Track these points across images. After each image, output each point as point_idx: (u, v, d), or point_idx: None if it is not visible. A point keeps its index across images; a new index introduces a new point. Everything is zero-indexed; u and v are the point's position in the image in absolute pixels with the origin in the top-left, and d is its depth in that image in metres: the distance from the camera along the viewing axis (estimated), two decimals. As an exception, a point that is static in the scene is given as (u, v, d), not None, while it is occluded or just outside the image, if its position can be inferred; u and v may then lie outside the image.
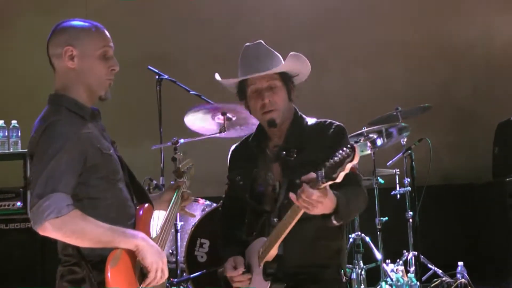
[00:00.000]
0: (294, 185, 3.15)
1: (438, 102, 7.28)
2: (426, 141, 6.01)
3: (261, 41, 3.67)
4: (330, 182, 2.89)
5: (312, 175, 2.95)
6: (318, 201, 2.96)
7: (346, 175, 3.01)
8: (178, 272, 5.64)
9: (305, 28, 8.41)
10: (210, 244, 5.37)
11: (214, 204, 5.71)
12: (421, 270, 5.88)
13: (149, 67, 6.00)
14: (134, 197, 3.12)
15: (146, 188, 5.57)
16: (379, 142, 5.91)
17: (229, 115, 5.82)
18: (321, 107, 7.89)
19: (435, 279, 5.99)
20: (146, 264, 2.80)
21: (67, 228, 2.67)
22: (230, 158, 3.92)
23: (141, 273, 2.85)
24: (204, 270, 5.17)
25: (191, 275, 5.25)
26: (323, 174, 2.88)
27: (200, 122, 5.87)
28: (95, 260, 2.75)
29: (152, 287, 2.88)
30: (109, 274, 2.63)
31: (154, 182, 5.75)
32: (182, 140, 5.88)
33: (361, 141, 5.97)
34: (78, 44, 2.96)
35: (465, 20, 8.50)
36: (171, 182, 5.66)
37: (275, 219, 3.33)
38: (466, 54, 8.33)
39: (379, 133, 5.93)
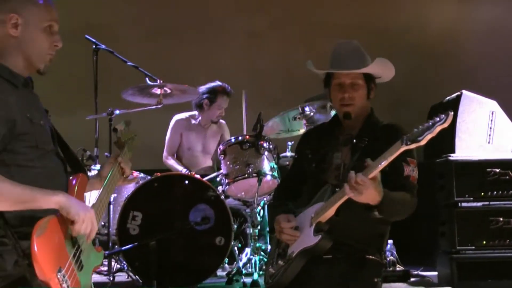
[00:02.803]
0: (361, 167, 3.37)
1: (373, 83, 7.37)
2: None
3: (354, 40, 3.89)
4: (414, 145, 3.14)
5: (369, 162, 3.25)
6: (364, 187, 3.20)
7: (403, 181, 3.47)
8: (110, 244, 5.62)
9: (244, 3, 8.40)
10: (142, 217, 5.34)
11: (148, 177, 5.68)
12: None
13: (87, 36, 5.93)
14: (67, 167, 3.08)
15: (80, 159, 5.51)
16: (316, 118, 5.93)
17: (166, 88, 5.81)
18: (258, 84, 7.96)
19: (364, 257, 6.08)
20: (71, 217, 2.74)
21: None
22: (302, 136, 4.20)
23: (73, 242, 2.81)
24: (136, 243, 5.14)
25: (123, 248, 5.22)
26: (409, 137, 3.13)
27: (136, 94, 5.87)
28: (23, 232, 2.68)
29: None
30: (35, 243, 2.56)
31: (88, 153, 5.70)
32: (117, 111, 5.84)
33: (297, 119, 6.01)
34: (24, 13, 2.91)
35: (401, 5, 8.63)
36: (105, 154, 5.69)
37: (337, 189, 3.51)
38: (401, 38, 8.45)
39: (323, 108, 5.96)
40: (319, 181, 3.76)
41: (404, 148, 3.16)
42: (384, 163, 3.22)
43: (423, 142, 3.11)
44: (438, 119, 3.07)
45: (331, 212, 3.48)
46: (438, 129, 3.07)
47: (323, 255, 3.56)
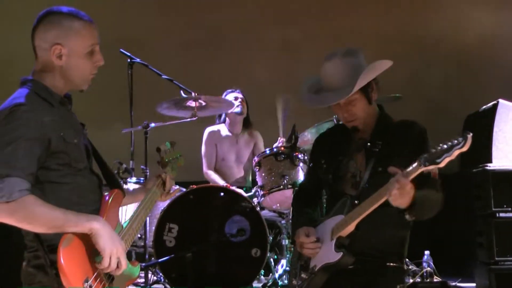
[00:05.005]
0: (377, 173, 3.41)
1: (409, 93, 7.33)
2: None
3: (336, 53, 3.75)
4: (433, 167, 3.06)
5: (395, 169, 3.17)
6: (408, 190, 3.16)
7: (427, 179, 3.35)
8: (146, 256, 5.65)
9: (278, 14, 8.41)
10: (178, 229, 5.37)
11: (183, 189, 5.70)
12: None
13: (121, 50, 5.98)
14: (102, 183, 3.11)
15: (116, 172, 5.56)
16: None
17: (201, 100, 5.83)
18: (293, 94, 7.95)
19: (401, 268, 6.04)
20: (99, 249, 2.76)
21: (19, 213, 2.64)
22: (315, 143, 4.08)
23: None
24: (172, 255, 5.16)
25: (159, 260, 5.24)
26: (427, 158, 3.06)
27: (171, 107, 5.89)
28: (57, 245, 2.69)
29: (114, 276, 2.87)
30: (61, 253, 2.60)
31: (124, 165, 5.74)
32: (152, 124, 5.88)
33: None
34: (67, 43, 2.92)
35: (437, 13, 8.57)
36: (142, 167, 5.73)
37: (356, 201, 3.49)
38: (437, 46, 8.40)
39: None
40: (336, 191, 3.71)
41: (422, 169, 3.10)
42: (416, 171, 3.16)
43: (441, 165, 3.03)
44: (456, 142, 3.00)
45: (351, 227, 3.45)
46: (456, 153, 2.99)
47: None
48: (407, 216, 3.33)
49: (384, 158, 3.46)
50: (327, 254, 3.52)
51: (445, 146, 3.03)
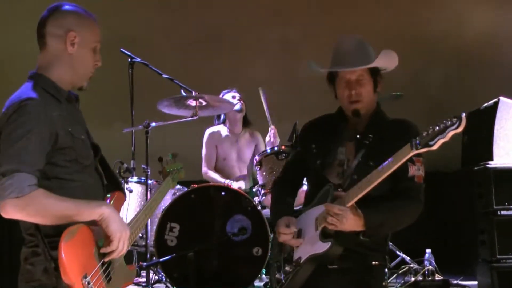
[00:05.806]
0: (365, 165, 3.42)
1: (410, 91, 7.33)
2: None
3: (357, 35, 3.76)
4: (425, 150, 3.00)
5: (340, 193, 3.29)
6: (343, 216, 3.25)
7: (407, 183, 3.37)
8: (148, 256, 5.65)
9: (278, 14, 8.41)
10: (180, 228, 5.38)
11: (185, 188, 5.70)
12: (389, 257, 5.92)
13: (122, 49, 5.97)
14: (104, 184, 3.13)
15: (117, 171, 5.57)
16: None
17: (201, 100, 5.83)
18: (294, 93, 7.96)
19: (403, 266, 6.05)
20: (109, 232, 2.79)
21: (30, 208, 2.65)
22: (304, 128, 4.01)
23: (102, 253, 2.84)
24: (174, 254, 5.16)
25: (161, 259, 5.25)
26: (419, 140, 3.00)
27: (172, 106, 5.88)
28: (58, 241, 2.69)
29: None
30: (62, 247, 2.60)
31: (125, 165, 5.75)
32: (153, 124, 5.87)
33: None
34: (81, 32, 2.97)
35: (437, 12, 8.57)
36: (142, 166, 5.72)
37: (339, 190, 3.46)
38: (438, 44, 8.40)
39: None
40: (321, 178, 3.65)
41: (414, 152, 3.04)
42: (364, 191, 3.20)
43: (435, 147, 2.96)
44: (450, 123, 2.93)
45: None
46: (450, 134, 2.92)
47: (328, 265, 3.50)
48: (361, 237, 3.36)
49: (374, 152, 3.45)
50: (313, 245, 3.46)
51: (437, 128, 2.96)
